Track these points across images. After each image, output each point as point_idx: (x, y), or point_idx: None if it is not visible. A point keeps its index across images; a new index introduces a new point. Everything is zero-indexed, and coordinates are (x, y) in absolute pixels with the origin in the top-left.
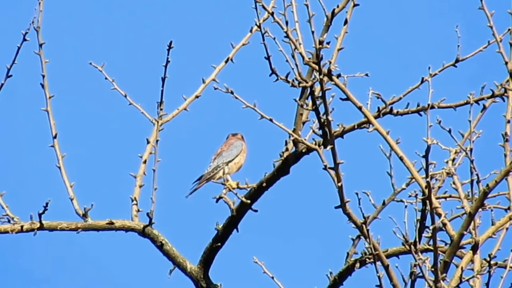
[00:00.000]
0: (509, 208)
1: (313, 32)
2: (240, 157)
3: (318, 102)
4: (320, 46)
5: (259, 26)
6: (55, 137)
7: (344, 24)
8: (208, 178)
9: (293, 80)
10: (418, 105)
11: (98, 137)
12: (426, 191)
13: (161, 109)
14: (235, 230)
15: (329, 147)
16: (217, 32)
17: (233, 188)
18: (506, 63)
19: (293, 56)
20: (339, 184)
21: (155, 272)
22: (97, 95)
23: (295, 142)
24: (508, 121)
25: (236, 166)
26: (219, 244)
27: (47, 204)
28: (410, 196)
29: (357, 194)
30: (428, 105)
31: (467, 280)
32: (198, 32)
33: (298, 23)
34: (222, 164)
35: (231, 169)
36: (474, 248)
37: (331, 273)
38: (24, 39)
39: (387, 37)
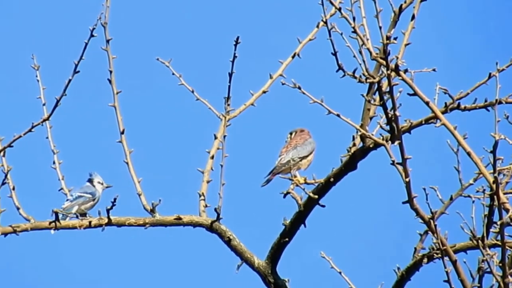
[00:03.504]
0: None
1: (380, 28)
2: (312, 155)
3: (385, 98)
4: (388, 41)
5: (326, 22)
6: (122, 132)
7: (411, 20)
8: (282, 170)
9: (360, 76)
10: (485, 101)
11: (165, 133)
12: (494, 186)
13: (228, 105)
14: (302, 225)
15: (396, 142)
16: (284, 27)
17: (301, 183)
18: None
19: (360, 52)
20: (407, 179)
21: (223, 267)
22: (164, 90)
23: (363, 137)
24: None
25: (307, 163)
26: (287, 239)
27: (115, 199)
28: (477, 191)
29: (424, 189)
30: (496, 100)
31: None
32: (265, 27)
33: (365, 18)
34: (296, 158)
35: (303, 165)
36: None
37: (398, 268)
38: (92, 35)
39: (454, 32)
